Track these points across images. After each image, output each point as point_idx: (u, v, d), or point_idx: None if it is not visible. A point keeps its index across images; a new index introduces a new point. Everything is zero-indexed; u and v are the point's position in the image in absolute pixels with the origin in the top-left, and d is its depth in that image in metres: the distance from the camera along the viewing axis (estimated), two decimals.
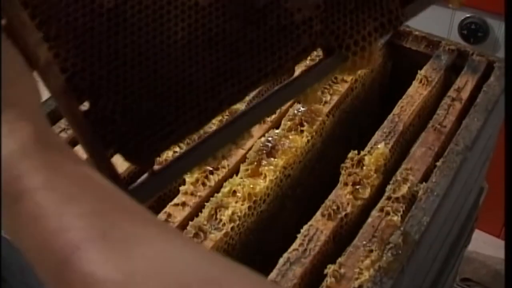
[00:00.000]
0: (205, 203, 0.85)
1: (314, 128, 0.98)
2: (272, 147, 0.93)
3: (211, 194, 0.87)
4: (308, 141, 0.96)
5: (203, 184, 0.88)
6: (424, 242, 0.84)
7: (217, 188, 0.88)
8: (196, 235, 0.81)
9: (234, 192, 0.86)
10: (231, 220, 0.83)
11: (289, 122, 0.97)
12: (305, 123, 0.97)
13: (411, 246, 0.80)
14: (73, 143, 0.94)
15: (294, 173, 0.95)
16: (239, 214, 0.84)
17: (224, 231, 0.82)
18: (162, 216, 0.84)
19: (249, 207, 0.86)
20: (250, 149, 0.93)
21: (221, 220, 0.83)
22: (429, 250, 0.95)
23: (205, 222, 0.83)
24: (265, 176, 0.89)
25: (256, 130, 0.97)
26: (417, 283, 0.97)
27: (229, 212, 0.84)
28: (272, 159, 0.91)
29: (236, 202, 0.85)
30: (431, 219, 0.84)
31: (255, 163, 0.90)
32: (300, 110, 0.99)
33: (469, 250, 1.76)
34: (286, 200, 0.95)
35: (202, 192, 0.87)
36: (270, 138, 0.94)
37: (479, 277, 1.93)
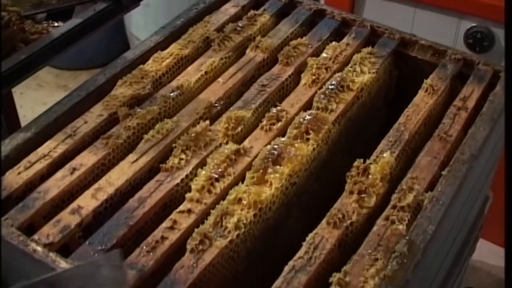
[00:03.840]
0: (211, 210, 0.85)
1: (320, 136, 0.98)
2: (278, 155, 0.93)
3: (216, 202, 0.87)
4: (313, 149, 0.97)
5: (209, 191, 0.88)
6: (429, 251, 0.84)
7: (223, 195, 0.88)
8: (201, 242, 0.81)
9: (240, 199, 0.87)
10: (236, 227, 0.84)
11: (295, 130, 0.97)
12: (311, 131, 0.97)
13: (416, 255, 0.80)
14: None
15: (299, 181, 0.95)
16: (244, 221, 0.85)
17: (229, 238, 0.83)
18: (167, 223, 0.84)
19: (255, 215, 0.86)
20: (256, 156, 0.94)
21: (226, 227, 0.83)
22: (434, 259, 0.95)
23: (211, 229, 0.83)
24: (271, 184, 0.89)
25: (262, 138, 0.98)
26: None
27: (234, 219, 0.84)
28: (278, 167, 0.91)
29: (242, 209, 0.86)
30: (436, 228, 0.85)
31: (261, 171, 0.90)
32: (306, 118, 0.99)
33: (474, 259, 1.76)
34: (292, 208, 0.95)
35: (208, 199, 0.88)
36: (276, 146, 0.94)
37: (483, 287, 1.93)
